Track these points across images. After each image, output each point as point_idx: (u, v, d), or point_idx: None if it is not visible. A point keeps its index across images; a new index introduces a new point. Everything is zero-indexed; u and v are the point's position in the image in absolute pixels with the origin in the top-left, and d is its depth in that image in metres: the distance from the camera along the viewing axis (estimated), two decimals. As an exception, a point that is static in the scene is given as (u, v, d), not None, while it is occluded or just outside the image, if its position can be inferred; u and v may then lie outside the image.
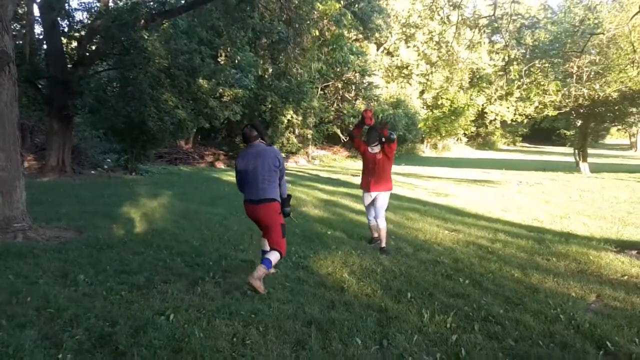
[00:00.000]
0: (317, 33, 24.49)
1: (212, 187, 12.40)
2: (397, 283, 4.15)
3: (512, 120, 30.17)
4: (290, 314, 3.33)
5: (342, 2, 26.49)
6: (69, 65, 13.27)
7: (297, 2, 13.79)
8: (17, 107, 5.87)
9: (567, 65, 18.51)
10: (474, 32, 14.62)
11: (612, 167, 24.04)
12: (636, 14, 10.12)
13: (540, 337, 3.07)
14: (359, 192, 6.68)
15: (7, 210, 5.54)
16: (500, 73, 20.94)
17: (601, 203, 10.25)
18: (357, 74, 30.44)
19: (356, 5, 28.92)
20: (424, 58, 37.72)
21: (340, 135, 30.57)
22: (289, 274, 4.35)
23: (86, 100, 12.68)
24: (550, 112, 20.78)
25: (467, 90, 39.65)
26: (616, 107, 19.71)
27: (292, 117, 25.75)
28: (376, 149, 5.46)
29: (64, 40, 13.81)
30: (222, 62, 20.02)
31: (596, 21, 17.50)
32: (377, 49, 37.49)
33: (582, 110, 20.44)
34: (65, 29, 13.69)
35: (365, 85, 31.75)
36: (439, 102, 39.19)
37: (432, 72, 35.77)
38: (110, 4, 14.58)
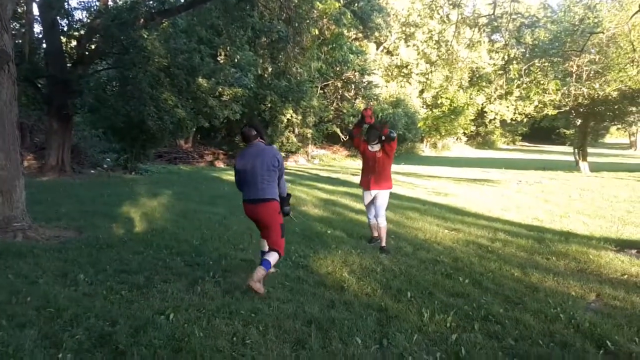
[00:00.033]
0: (317, 32, 24.46)
1: (211, 186, 12.39)
2: (397, 282, 4.15)
3: (511, 119, 30.10)
4: (290, 313, 3.33)
5: (341, 0, 26.48)
6: (68, 65, 13.24)
7: (296, 1, 13.78)
8: (16, 106, 5.87)
9: (567, 64, 18.49)
10: (473, 31, 14.65)
11: (612, 166, 24.05)
12: (636, 13, 10.12)
13: (540, 336, 3.07)
14: (359, 191, 6.68)
15: (7, 210, 5.53)
16: (500, 72, 20.97)
17: (601, 202, 10.25)
18: (356, 73, 30.41)
19: (356, 4, 28.92)
20: (423, 57, 37.71)
21: (340, 134, 30.57)
22: (289, 273, 4.35)
23: (86, 100, 12.66)
24: (550, 111, 20.77)
25: (466, 90, 39.62)
26: (616, 106, 19.72)
27: (291, 116, 25.74)
28: (376, 147, 5.46)
29: (64, 39, 13.77)
30: (221, 61, 19.99)
31: (596, 20, 17.49)
32: (377, 48, 37.46)
33: (581, 110, 20.44)
34: (65, 28, 13.65)
35: (364, 84, 31.72)
36: (439, 102, 39.19)
37: (431, 71, 35.76)
38: (110, 2, 14.54)
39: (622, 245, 5.85)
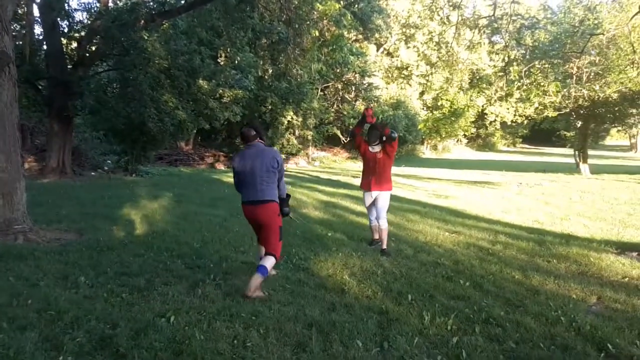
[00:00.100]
0: (317, 33, 24.51)
1: (212, 188, 12.39)
2: (397, 285, 4.15)
3: (512, 121, 30.13)
4: (291, 316, 3.33)
5: (341, 2, 26.52)
6: (69, 66, 13.26)
7: (296, 2, 13.80)
8: (17, 108, 5.87)
9: (567, 66, 18.49)
10: (473, 32, 14.65)
11: (613, 169, 24.04)
12: (636, 14, 10.11)
13: (541, 339, 3.07)
14: (360, 193, 6.68)
15: (7, 212, 5.53)
16: (500, 74, 20.94)
17: (601, 204, 10.24)
18: (357, 75, 30.45)
19: (356, 6, 28.95)
20: (423, 59, 37.76)
21: (341, 136, 30.57)
22: (290, 276, 4.35)
23: (86, 101, 12.67)
24: (550, 113, 20.75)
25: (467, 91, 39.67)
26: (616, 108, 19.70)
27: (292, 118, 25.76)
28: (377, 148, 5.47)
29: (64, 41, 13.80)
30: (222, 63, 20.02)
31: (596, 22, 17.50)
32: (377, 50, 37.52)
33: (582, 111, 20.43)
34: (65, 30, 13.68)
35: (365, 86, 31.76)
36: (439, 103, 39.21)
37: (432, 73, 35.81)
38: (110, 4, 14.58)
39: (623, 248, 5.84)
